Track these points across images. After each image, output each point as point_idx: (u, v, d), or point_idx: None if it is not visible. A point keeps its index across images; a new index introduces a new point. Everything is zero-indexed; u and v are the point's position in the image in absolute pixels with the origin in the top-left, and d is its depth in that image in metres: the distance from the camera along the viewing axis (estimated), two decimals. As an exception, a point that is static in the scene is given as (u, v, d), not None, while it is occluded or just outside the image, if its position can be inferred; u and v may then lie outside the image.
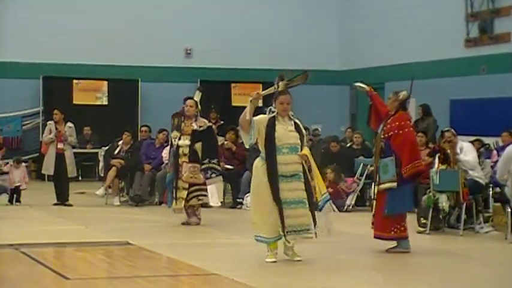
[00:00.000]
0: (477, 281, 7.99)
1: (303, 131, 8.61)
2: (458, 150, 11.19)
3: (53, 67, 20.01)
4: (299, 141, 8.43)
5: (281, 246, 8.56)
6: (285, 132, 8.40)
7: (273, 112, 8.49)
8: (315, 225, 8.38)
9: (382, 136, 9.17)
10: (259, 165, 8.45)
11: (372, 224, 9.34)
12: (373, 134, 10.11)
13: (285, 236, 8.29)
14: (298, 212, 8.29)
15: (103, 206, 14.19)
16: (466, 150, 11.23)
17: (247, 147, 8.85)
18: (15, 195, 14.09)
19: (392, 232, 9.16)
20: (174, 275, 8.14)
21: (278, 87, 8.47)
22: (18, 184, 14.16)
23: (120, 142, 14.79)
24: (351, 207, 13.82)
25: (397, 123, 9.19)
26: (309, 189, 8.40)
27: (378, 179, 9.23)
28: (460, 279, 8.02)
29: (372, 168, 11.61)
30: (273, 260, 8.42)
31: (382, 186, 9.15)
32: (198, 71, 20.75)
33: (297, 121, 8.58)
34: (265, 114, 8.61)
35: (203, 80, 20.33)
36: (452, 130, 11.58)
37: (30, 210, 13.38)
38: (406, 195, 9.30)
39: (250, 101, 8.45)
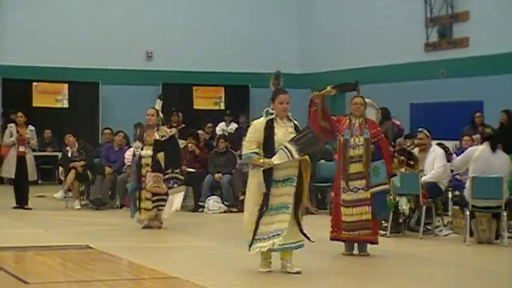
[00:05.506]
0: (437, 282, 8.07)
1: None
2: (429, 155, 11.38)
3: (13, 69, 19.83)
4: None
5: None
6: (285, 134, 7.96)
7: (271, 114, 8.08)
8: (303, 233, 8.06)
9: (373, 140, 9.18)
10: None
11: (333, 228, 9.35)
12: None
13: (250, 245, 7.99)
14: (274, 218, 7.92)
15: (63, 209, 14.08)
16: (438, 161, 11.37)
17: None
18: None
19: (377, 235, 9.35)
20: (134, 278, 8.10)
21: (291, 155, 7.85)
22: None
23: (67, 148, 14.68)
24: None
25: (378, 128, 9.42)
26: (301, 194, 8.02)
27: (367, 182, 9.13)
28: (421, 281, 8.08)
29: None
30: (267, 269, 8.09)
31: (375, 189, 9.13)
32: (159, 73, 20.72)
33: (296, 122, 8.15)
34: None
35: (164, 82, 20.29)
36: (426, 131, 11.69)
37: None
38: (386, 197, 9.47)
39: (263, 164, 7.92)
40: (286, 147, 7.89)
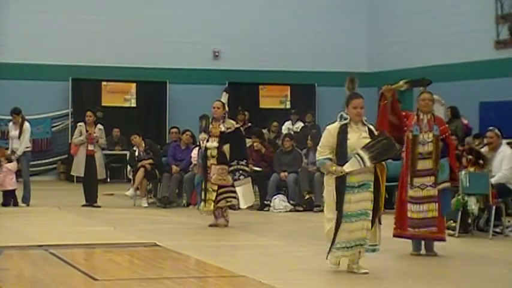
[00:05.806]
0: (507, 284, 7.92)
1: None
2: (498, 154, 11.18)
3: (82, 69, 20.16)
4: None
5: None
6: (359, 139, 7.89)
7: (345, 119, 7.99)
8: (378, 240, 8.03)
9: (441, 137, 9.12)
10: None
11: (396, 224, 9.27)
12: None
13: (328, 252, 7.93)
14: (356, 225, 7.86)
15: (131, 207, 14.25)
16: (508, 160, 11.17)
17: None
18: (12, 200, 13.86)
19: (445, 232, 9.31)
20: (201, 276, 8.15)
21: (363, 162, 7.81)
22: (13, 188, 13.86)
23: (134, 148, 14.84)
24: None
25: (446, 125, 9.34)
26: (378, 199, 7.95)
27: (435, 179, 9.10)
28: (490, 282, 7.93)
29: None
30: (335, 269, 8.04)
31: (440, 186, 9.08)
32: (225, 73, 20.79)
33: (370, 127, 8.06)
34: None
35: (231, 82, 20.36)
36: (496, 130, 11.51)
37: (59, 212, 13.47)
38: (451, 195, 9.43)
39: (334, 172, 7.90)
40: (358, 154, 7.83)
